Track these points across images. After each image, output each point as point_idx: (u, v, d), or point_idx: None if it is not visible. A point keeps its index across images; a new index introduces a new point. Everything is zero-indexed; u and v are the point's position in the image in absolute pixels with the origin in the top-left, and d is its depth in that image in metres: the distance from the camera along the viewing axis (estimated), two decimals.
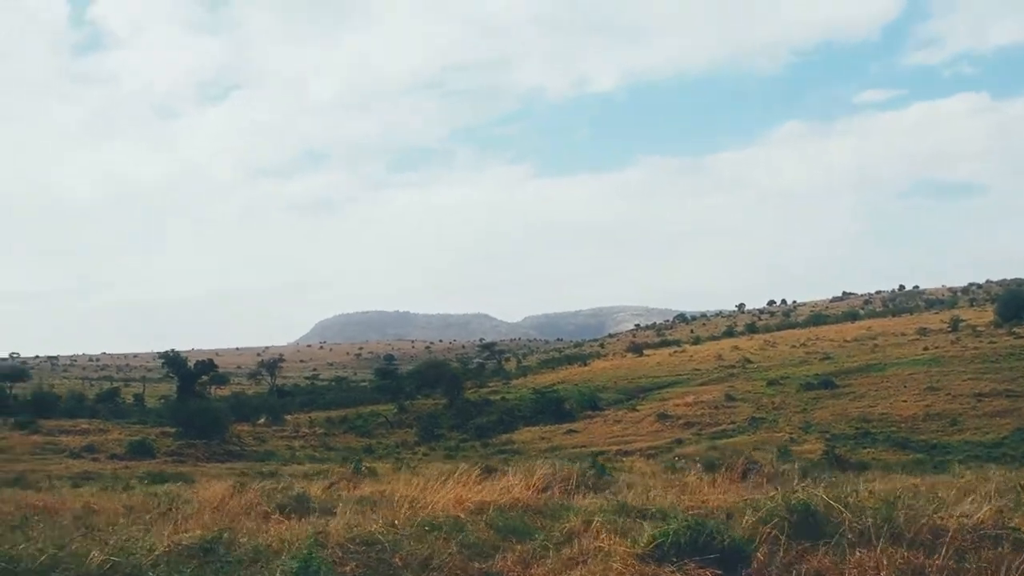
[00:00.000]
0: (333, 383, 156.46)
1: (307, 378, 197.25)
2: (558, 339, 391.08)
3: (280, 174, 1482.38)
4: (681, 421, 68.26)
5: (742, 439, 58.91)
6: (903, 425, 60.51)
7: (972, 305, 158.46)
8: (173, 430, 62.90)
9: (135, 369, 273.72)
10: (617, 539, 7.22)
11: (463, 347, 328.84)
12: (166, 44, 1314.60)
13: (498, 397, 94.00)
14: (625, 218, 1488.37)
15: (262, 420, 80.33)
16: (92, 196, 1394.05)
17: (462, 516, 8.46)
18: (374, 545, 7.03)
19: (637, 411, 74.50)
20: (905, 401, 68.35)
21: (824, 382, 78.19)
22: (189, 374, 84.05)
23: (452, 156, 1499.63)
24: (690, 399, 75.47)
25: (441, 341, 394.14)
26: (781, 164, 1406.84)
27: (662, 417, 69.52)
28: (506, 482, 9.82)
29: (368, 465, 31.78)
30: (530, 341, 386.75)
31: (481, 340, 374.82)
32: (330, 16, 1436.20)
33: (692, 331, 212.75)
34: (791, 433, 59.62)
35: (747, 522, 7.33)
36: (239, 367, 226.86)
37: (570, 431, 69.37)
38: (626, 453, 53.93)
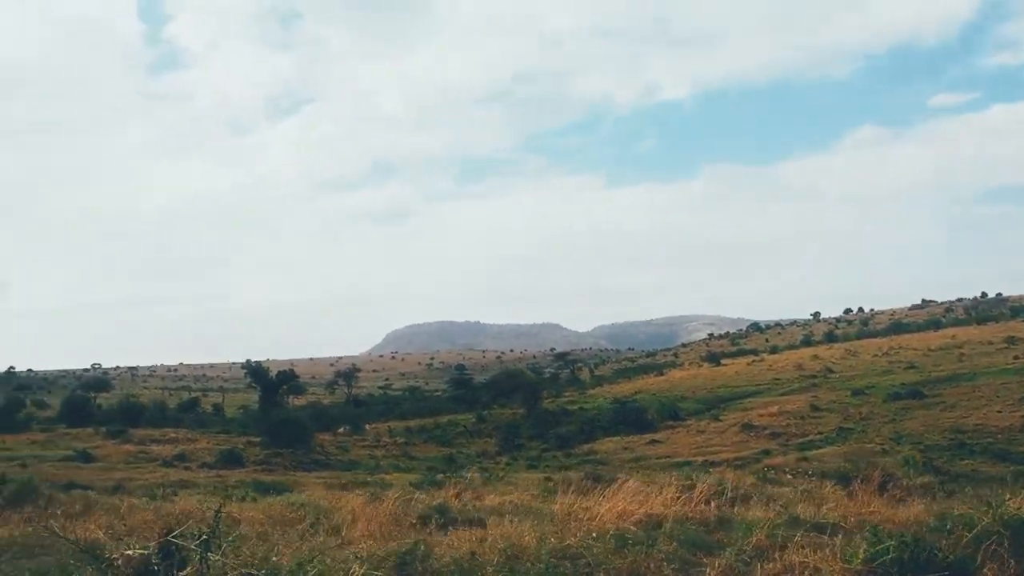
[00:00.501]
0: (407, 393, 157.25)
1: (380, 388, 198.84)
2: (630, 348, 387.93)
3: (350, 186, 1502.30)
4: (766, 431, 67.10)
5: (831, 450, 57.65)
6: (999, 436, 58.71)
7: None
8: (258, 439, 63.71)
9: (212, 379, 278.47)
10: (815, 554, 6.87)
11: (534, 357, 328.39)
12: (239, 60, 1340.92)
13: (576, 407, 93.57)
14: (696, 227, 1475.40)
15: (342, 430, 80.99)
16: (169, 210, 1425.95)
17: (633, 529, 8.18)
18: (577, 559, 6.79)
19: (720, 421, 73.52)
20: (999, 412, 66.33)
21: (912, 392, 76.30)
22: (271, 384, 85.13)
23: (520, 167, 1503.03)
24: (774, 409, 74.22)
25: (512, 351, 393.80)
26: (854, 170, 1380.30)
27: (747, 427, 68.45)
28: (667, 494, 9.49)
29: (455, 476, 31.64)
30: (601, 351, 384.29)
31: (552, 350, 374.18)
32: (399, 30, 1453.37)
33: (767, 340, 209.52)
34: (882, 444, 58.12)
35: (963, 539, 6.90)
36: (314, 377, 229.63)
37: (652, 441, 68.64)
38: (712, 464, 53.00)
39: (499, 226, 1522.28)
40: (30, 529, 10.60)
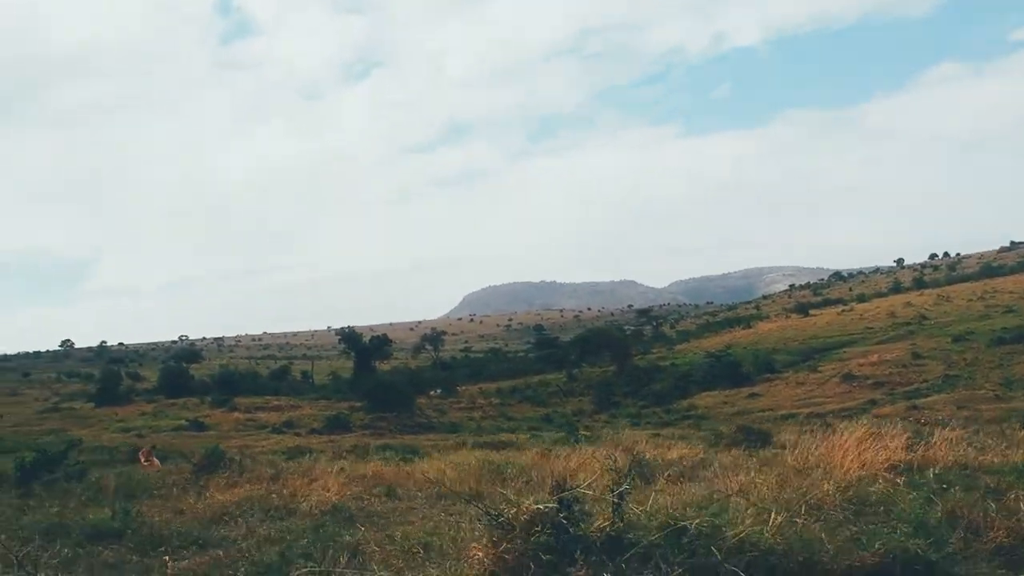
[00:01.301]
0: (489, 355, 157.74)
1: (461, 350, 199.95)
2: (708, 303, 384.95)
3: (424, 149, 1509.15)
4: (869, 381, 66.02)
5: (940, 398, 56.54)
6: None
7: None
8: (359, 404, 64.67)
9: (296, 347, 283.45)
10: None
11: (612, 314, 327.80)
12: (309, 27, 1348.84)
13: (667, 363, 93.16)
14: (772, 175, 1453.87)
15: (434, 393, 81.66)
16: (245, 180, 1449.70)
17: (887, 475, 8.06)
18: (877, 505, 6.71)
19: (819, 372, 72.58)
20: None
21: (1017, 336, 74.21)
22: (365, 349, 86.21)
23: (593, 121, 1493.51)
24: (874, 358, 72.93)
25: (590, 309, 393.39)
26: (934, 110, 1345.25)
27: (847, 378, 67.46)
28: (898, 443, 9.30)
29: (575, 433, 31.68)
30: (680, 306, 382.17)
31: (630, 306, 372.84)
32: None
33: (851, 289, 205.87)
34: (992, 390, 56.73)
35: None
36: (395, 342, 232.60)
37: (752, 395, 68.10)
38: (818, 415, 52.27)
39: (573, 183, 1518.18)
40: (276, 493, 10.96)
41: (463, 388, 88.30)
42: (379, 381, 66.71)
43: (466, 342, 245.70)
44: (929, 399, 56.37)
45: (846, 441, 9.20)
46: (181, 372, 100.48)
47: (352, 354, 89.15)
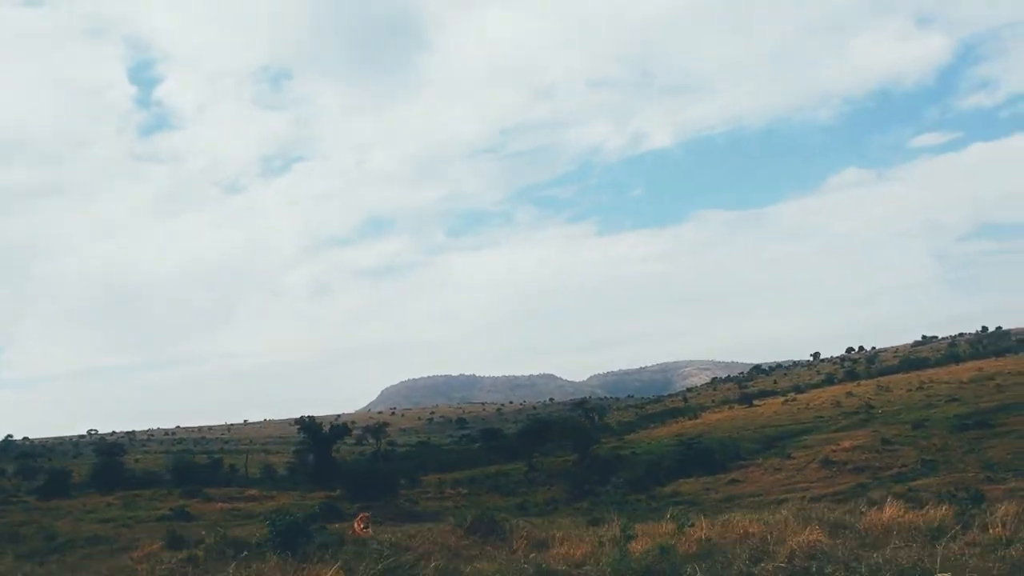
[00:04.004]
0: (420, 447, 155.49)
1: (388, 443, 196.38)
2: (629, 396, 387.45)
3: (344, 243, 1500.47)
4: (848, 467, 66.36)
5: (931, 481, 57.02)
6: None
7: None
8: (335, 493, 62.80)
9: (211, 441, 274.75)
10: None
11: (534, 407, 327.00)
12: (229, 122, 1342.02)
13: (627, 452, 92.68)
14: (686, 273, 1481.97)
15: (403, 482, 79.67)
16: (161, 272, 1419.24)
17: None
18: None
19: (793, 459, 72.85)
20: None
21: (978, 423, 76.02)
22: (325, 438, 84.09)
23: (512, 218, 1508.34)
24: (847, 444, 73.57)
25: (512, 403, 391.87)
26: (841, 212, 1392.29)
27: (827, 463, 67.79)
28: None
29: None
30: (601, 399, 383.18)
31: (551, 399, 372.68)
32: (389, 86, 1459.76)
33: (775, 382, 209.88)
34: (984, 474, 57.50)
35: None
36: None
37: (732, 481, 67.87)
38: (814, 500, 52.30)
39: (492, 278, 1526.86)
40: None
41: (425, 478, 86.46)
42: (361, 469, 64.85)
43: (387, 435, 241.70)
44: (920, 482, 56.76)
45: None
46: (116, 465, 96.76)
47: (311, 443, 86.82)
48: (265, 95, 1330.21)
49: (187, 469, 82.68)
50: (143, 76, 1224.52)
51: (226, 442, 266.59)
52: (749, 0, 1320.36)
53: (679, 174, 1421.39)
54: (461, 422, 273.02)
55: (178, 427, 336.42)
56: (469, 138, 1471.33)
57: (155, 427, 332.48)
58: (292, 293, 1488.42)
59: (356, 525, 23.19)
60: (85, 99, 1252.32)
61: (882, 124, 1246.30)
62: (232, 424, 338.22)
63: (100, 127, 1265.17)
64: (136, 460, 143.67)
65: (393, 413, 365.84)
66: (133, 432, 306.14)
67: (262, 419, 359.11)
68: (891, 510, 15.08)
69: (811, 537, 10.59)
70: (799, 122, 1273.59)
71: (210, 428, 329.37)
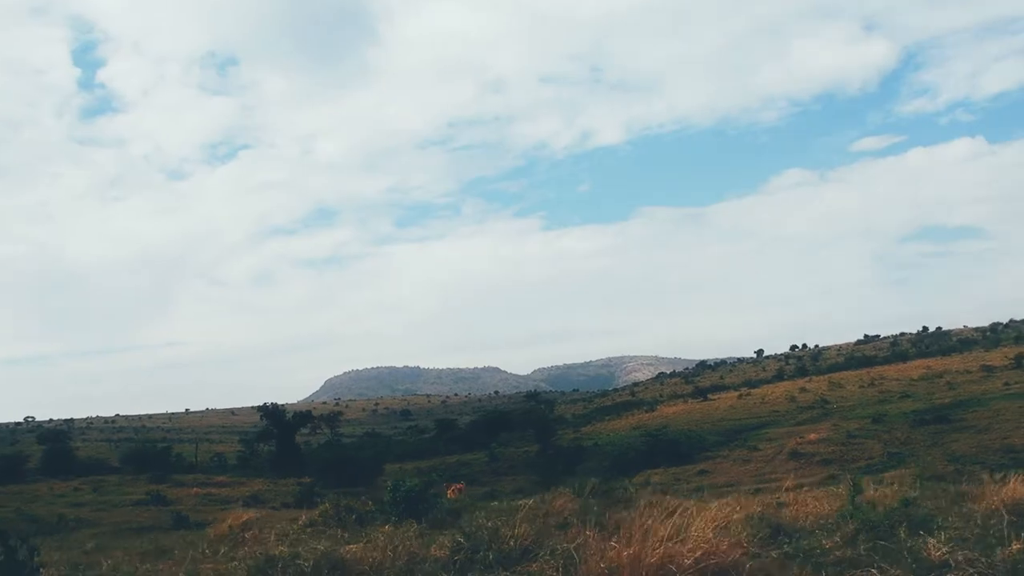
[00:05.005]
0: (363, 439, 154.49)
1: (335, 435, 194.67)
2: (574, 390, 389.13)
3: (289, 232, 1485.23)
4: (816, 458, 67.20)
5: (900, 473, 57.88)
6: None
7: (1016, 343, 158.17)
8: (309, 480, 62.17)
9: (153, 430, 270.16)
10: None
11: (479, 400, 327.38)
12: (174, 107, 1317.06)
13: (590, 443, 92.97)
14: (631, 268, 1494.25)
15: None
16: (103, 258, 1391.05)
17: None
18: None
19: (760, 451, 73.64)
20: None
21: (936, 417, 77.38)
22: (289, 426, 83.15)
23: (459, 211, 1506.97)
24: (812, 437, 74.55)
25: (456, 395, 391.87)
26: (784, 212, 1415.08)
27: (795, 455, 68.62)
28: None
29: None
30: (547, 392, 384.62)
31: (496, 392, 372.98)
32: (338, 76, 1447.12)
33: (722, 377, 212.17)
34: (946, 466, 58.60)
35: None
36: (256, 425, 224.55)
37: (702, 471, 68.34)
38: (791, 491, 52.96)
39: (438, 270, 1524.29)
40: None
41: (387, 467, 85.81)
42: (338, 455, 64.18)
43: (331, 426, 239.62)
44: (890, 474, 57.64)
45: None
46: (66, 451, 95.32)
47: (275, 430, 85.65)
48: (212, 81, 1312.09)
49: (144, 457, 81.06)
50: (87, 58, 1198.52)
51: (168, 431, 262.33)
52: (695, 1, 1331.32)
53: (626, 171, 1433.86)
54: (406, 413, 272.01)
55: (118, 415, 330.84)
56: (418, 130, 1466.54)
57: (94, 415, 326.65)
58: (236, 282, 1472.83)
59: (450, 495, 23.53)
60: (26, 80, 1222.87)
61: (826, 126, 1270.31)
62: (173, 413, 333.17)
63: (40, 109, 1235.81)
64: (77, 448, 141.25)
65: (337, 404, 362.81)
66: (72, 420, 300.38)
67: (204, 408, 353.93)
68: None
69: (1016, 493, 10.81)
70: (745, 123, 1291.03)
71: (151, 417, 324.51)
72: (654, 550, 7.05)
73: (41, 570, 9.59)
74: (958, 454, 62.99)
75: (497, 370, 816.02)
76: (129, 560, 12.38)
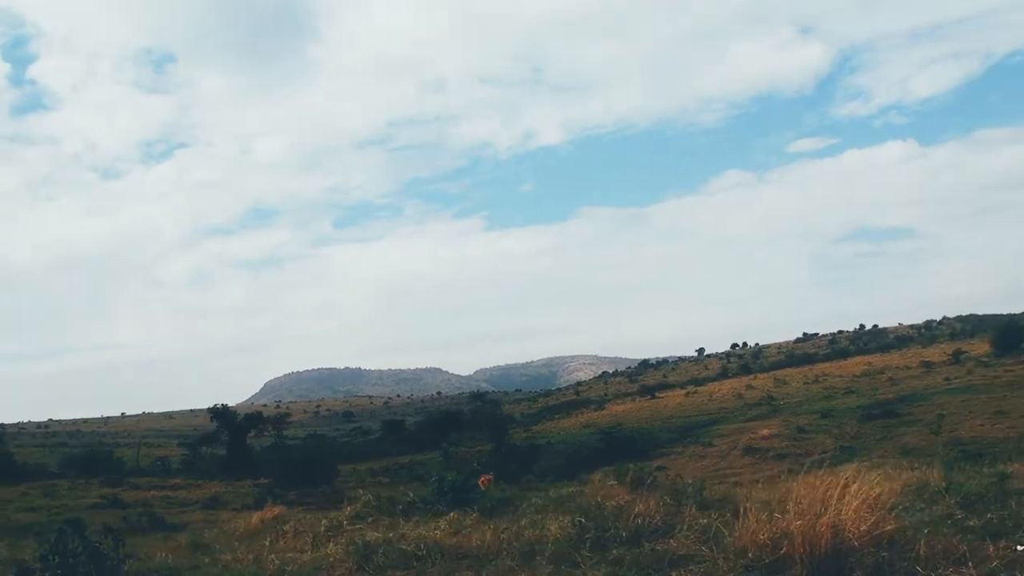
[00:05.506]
0: (307, 440, 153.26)
1: (282, 436, 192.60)
2: (517, 390, 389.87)
3: (226, 232, 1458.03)
4: (771, 454, 68.18)
5: (856, 466, 59.02)
6: (1006, 445, 61.36)
7: (952, 339, 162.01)
8: (264, 481, 61.59)
9: (87, 435, 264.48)
10: None
11: (422, 401, 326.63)
12: (108, 105, 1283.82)
13: (543, 441, 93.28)
14: (571, 268, 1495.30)
15: None
16: (32, 260, 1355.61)
17: None
18: None
19: (714, 447, 74.58)
20: (982, 425, 69.26)
21: (884, 412, 78.98)
22: (240, 427, 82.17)
23: (400, 211, 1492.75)
24: (765, 432, 75.65)
25: (399, 396, 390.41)
26: (723, 212, 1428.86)
27: (749, 451, 69.61)
28: None
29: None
30: (489, 393, 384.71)
31: (439, 393, 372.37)
32: (278, 75, 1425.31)
33: (665, 376, 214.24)
34: (899, 460, 59.80)
35: None
36: (195, 428, 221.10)
37: (659, 468, 68.85)
38: (756, 483, 53.77)
39: (378, 271, 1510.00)
40: None
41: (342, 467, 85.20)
42: (294, 456, 63.55)
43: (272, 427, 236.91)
44: (846, 468, 58.75)
45: None
46: (7, 456, 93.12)
47: (225, 432, 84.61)
48: (147, 78, 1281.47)
49: (88, 462, 79.61)
50: (16, 53, 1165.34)
51: (104, 435, 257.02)
52: (630, 4, 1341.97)
53: (568, 171, 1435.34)
54: (349, 415, 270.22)
55: (51, 420, 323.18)
56: (357, 129, 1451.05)
57: (24, 420, 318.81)
58: (172, 283, 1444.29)
59: (481, 485, 23.39)
60: None
61: (764, 128, 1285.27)
62: (109, 417, 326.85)
63: None
64: (12, 454, 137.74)
65: (278, 406, 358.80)
66: (3, 425, 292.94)
67: (141, 412, 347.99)
68: None
69: None
70: (683, 124, 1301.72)
71: (85, 421, 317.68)
72: (821, 519, 7.17)
73: (127, 561, 9.38)
74: (909, 447, 64.41)
75: (439, 371, 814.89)
76: (180, 555, 12.17)
